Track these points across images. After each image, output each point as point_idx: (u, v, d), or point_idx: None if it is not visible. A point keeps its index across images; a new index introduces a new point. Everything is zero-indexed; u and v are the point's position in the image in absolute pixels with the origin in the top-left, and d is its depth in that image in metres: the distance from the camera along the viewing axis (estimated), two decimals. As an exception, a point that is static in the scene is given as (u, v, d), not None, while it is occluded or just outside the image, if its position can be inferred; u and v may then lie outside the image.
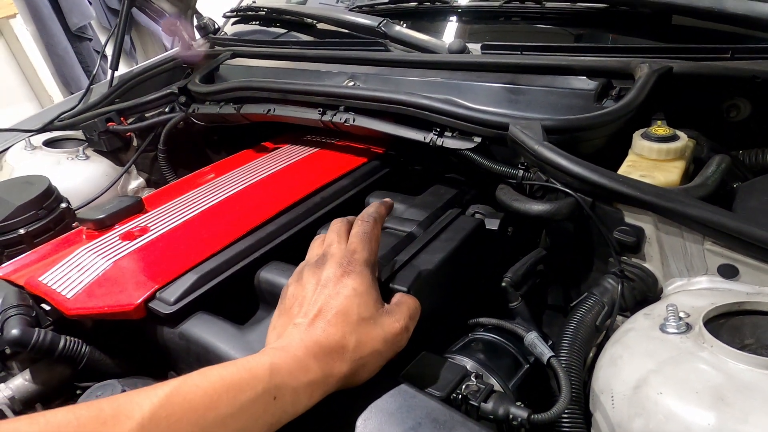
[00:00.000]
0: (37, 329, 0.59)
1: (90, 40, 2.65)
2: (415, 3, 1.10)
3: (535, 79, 0.81)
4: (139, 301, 0.59)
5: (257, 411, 0.38)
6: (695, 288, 0.56)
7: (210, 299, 0.61)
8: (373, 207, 0.57)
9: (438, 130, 0.76)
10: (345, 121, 0.84)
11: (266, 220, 0.73)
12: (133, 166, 1.20)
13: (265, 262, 0.66)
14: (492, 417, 0.44)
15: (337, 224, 0.56)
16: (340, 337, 0.44)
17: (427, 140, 0.76)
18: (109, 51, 1.51)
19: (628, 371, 0.47)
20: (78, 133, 1.23)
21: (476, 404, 0.44)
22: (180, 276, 0.62)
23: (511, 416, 0.43)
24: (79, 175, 1.13)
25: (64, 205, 0.98)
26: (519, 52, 0.87)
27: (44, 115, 1.36)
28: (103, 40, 2.79)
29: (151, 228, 0.73)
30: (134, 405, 0.34)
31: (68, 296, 0.62)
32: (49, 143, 1.19)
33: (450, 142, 0.74)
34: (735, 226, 0.51)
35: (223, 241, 0.68)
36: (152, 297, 0.60)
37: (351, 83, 0.94)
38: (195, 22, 1.52)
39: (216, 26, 1.54)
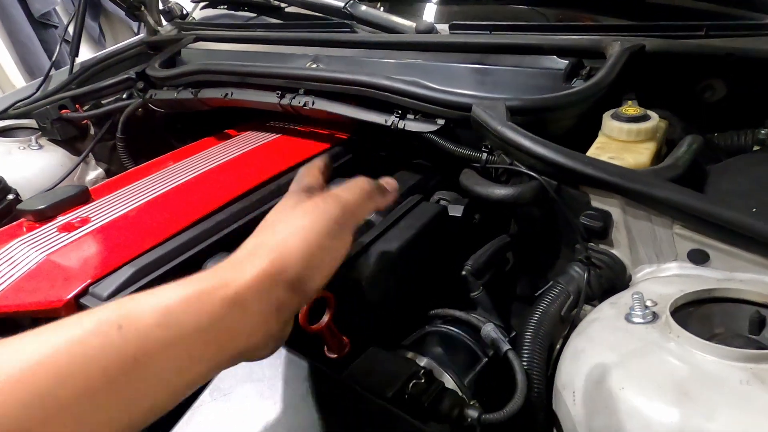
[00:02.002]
0: (-43, 329, 0.55)
1: (55, 27, 2.55)
2: (384, -17, 1.06)
3: (503, 59, 0.77)
4: (69, 296, 0.54)
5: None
6: (664, 275, 0.53)
7: (150, 294, 0.57)
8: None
9: (400, 112, 0.71)
10: (304, 105, 0.79)
11: (216, 208, 0.68)
12: (91, 155, 1.14)
13: (213, 254, 0.62)
14: (441, 417, 0.40)
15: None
16: None
17: (389, 123, 0.71)
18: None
19: (590, 365, 0.44)
20: (33, 122, 1.17)
21: (425, 404, 0.40)
22: (116, 269, 0.57)
23: (463, 416, 0.39)
24: (32, 166, 1.07)
25: (11, 196, 0.93)
26: (488, 32, 0.83)
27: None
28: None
29: (92, 218, 0.68)
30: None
31: (-6, 292, 0.57)
32: (1, 132, 1.12)
33: (412, 125, 0.70)
34: (705, 208, 0.48)
35: (166, 231, 0.63)
36: (84, 292, 0.55)
37: (313, 65, 0.89)
38: (160, 7, 1.46)
39: (183, 11, 1.49)
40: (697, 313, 0.46)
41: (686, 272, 0.52)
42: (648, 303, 0.46)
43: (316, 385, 0.42)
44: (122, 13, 2.62)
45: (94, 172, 1.15)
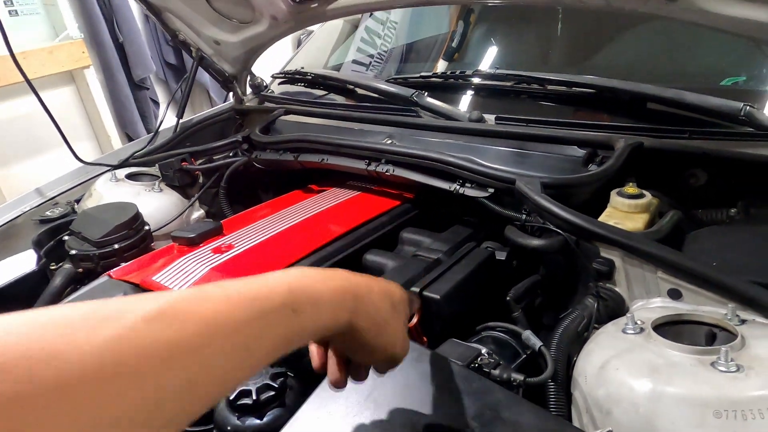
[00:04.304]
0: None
1: (147, 89, 3.00)
2: (441, 79, 1.35)
3: (537, 146, 1.04)
4: (236, 296, 0.78)
5: (274, 320, 0.37)
6: (651, 306, 0.76)
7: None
8: None
9: (461, 181, 0.97)
10: (387, 171, 1.06)
11: (324, 244, 0.93)
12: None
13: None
14: (498, 380, 0.62)
15: None
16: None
17: (452, 189, 0.97)
18: (162, 100, 1.76)
19: (596, 358, 0.66)
20: (151, 169, 1.47)
21: (487, 371, 0.63)
22: (265, 280, 0.81)
23: (512, 379, 0.62)
24: (153, 204, 1.34)
25: (147, 227, 1.19)
26: (525, 124, 1.10)
27: (120, 153, 1.60)
28: (158, 90, 3.15)
29: (235, 245, 0.94)
30: (140, 302, 0.31)
31: (179, 291, 0.81)
32: (129, 176, 1.42)
33: (469, 191, 0.95)
34: (678, 261, 0.71)
35: (292, 257, 0.88)
36: (245, 294, 0.79)
37: (389, 141, 1.17)
38: (249, 81, 1.78)
39: (265, 84, 1.80)
40: (671, 330, 0.68)
41: (666, 305, 0.74)
42: (638, 322, 0.68)
43: (418, 357, 0.64)
44: (201, 78, 3.03)
45: (197, 213, 1.42)
